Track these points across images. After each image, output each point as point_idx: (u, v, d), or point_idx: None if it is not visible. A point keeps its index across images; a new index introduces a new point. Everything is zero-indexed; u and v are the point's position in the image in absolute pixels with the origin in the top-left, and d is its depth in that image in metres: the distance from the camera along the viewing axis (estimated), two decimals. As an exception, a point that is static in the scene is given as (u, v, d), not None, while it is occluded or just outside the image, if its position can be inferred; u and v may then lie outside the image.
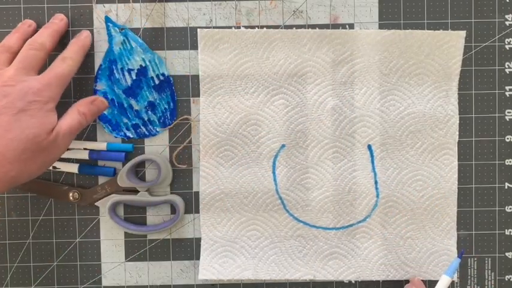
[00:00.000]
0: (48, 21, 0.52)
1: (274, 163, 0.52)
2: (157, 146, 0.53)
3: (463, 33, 0.52)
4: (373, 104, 0.52)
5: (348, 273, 0.52)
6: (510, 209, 0.53)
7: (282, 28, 0.52)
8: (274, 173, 0.52)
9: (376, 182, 0.52)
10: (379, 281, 0.53)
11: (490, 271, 0.53)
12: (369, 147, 0.52)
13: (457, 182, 0.52)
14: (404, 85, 0.52)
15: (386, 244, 0.52)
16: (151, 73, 0.52)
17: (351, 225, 0.52)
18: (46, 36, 0.49)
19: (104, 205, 0.52)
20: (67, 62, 0.48)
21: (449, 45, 0.52)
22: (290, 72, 0.52)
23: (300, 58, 0.52)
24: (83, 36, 0.51)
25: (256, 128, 0.52)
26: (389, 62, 0.52)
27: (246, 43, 0.52)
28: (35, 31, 0.50)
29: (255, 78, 0.52)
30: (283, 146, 0.52)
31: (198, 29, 0.52)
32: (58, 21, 0.51)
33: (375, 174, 0.52)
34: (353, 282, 0.53)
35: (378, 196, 0.52)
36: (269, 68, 0.52)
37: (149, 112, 0.53)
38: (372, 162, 0.52)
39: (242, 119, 0.52)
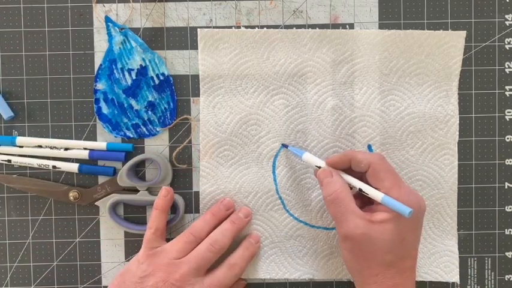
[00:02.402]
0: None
1: (274, 163, 0.52)
2: (157, 146, 0.53)
3: (463, 33, 0.52)
4: (373, 103, 0.52)
5: (347, 273, 0.52)
6: (510, 208, 0.53)
7: (282, 28, 0.52)
8: (274, 172, 0.52)
9: (376, 182, 0.52)
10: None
11: (490, 271, 0.53)
12: (369, 147, 0.52)
13: (457, 182, 0.52)
14: (404, 85, 0.52)
15: (386, 244, 0.52)
16: (151, 73, 0.52)
17: (350, 225, 0.52)
18: (228, 239, 0.49)
19: (104, 205, 0.52)
20: (235, 270, 0.49)
21: (450, 45, 0.52)
22: (290, 72, 0.52)
23: (300, 58, 0.52)
24: (254, 242, 0.51)
25: (256, 127, 0.52)
26: (389, 62, 0.52)
27: (246, 43, 0.52)
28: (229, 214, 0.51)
29: (255, 78, 0.52)
30: (283, 145, 0.52)
31: (198, 29, 0.52)
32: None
33: (375, 174, 0.52)
34: (352, 281, 0.53)
35: (377, 196, 0.52)
36: (269, 68, 0.52)
37: (149, 112, 0.53)
38: (372, 162, 0.52)
39: (242, 118, 0.52)
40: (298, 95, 0.52)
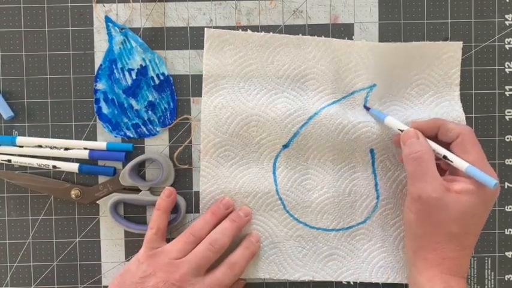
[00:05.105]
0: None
1: (274, 164, 0.52)
2: (157, 146, 0.53)
3: (460, 43, 0.52)
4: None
5: (347, 275, 0.52)
6: (510, 208, 0.53)
7: (282, 28, 0.52)
8: (274, 173, 0.52)
9: (376, 184, 0.52)
10: (379, 283, 0.53)
11: (490, 271, 0.53)
12: (371, 151, 0.52)
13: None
14: (405, 95, 0.52)
15: (386, 246, 0.52)
16: (151, 73, 0.52)
17: (350, 227, 0.52)
18: (228, 238, 0.49)
19: (105, 203, 0.52)
20: (235, 269, 0.48)
21: (448, 55, 0.52)
22: (293, 77, 0.52)
23: (304, 64, 0.52)
24: (255, 241, 0.51)
25: (257, 129, 0.52)
26: (391, 73, 0.52)
27: (251, 46, 0.52)
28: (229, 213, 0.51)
29: (258, 81, 0.52)
30: (284, 147, 0.52)
31: (205, 29, 0.52)
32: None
33: (376, 176, 0.52)
34: (352, 283, 0.53)
35: (378, 198, 0.52)
36: (273, 72, 0.52)
37: (149, 112, 0.53)
38: (373, 164, 0.52)
39: (243, 119, 0.52)
40: (300, 100, 0.52)
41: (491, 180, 0.43)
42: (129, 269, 0.47)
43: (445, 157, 0.45)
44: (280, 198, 0.52)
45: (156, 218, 0.49)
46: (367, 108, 0.51)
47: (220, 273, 0.48)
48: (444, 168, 0.48)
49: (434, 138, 0.47)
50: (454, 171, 0.46)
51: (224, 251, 0.49)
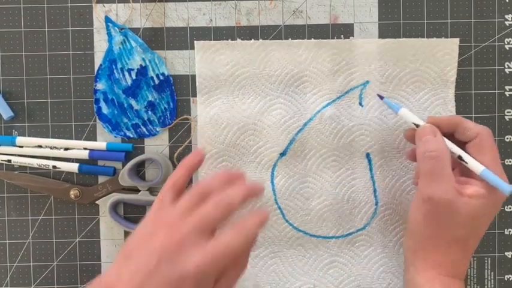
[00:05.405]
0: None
1: (272, 173, 0.52)
2: (157, 146, 0.53)
3: (456, 40, 0.52)
4: (371, 112, 0.52)
5: (348, 282, 0.52)
6: (510, 208, 0.53)
7: (281, 28, 0.52)
8: (272, 182, 0.52)
9: (375, 190, 0.52)
10: None
11: (489, 271, 0.53)
12: (367, 155, 0.52)
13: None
14: (401, 93, 0.52)
15: (386, 252, 0.52)
16: (151, 73, 0.52)
17: (350, 234, 0.52)
18: (239, 198, 0.40)
19: (104, 203, 0.52)
20: (242, 233, 0.39)
21: (444, 52, 0.52)
22: (287, 82, 0.52)
23: (296, 68, 0.52)
24: (266, 212, 0.42)
25: (254, 138, 0.52)
26: (385, 70, 0.52)
27: (242, 54, 0.52)
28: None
29: (252, 89, 0.52)
30: (281, 155, 0.52)
31: (195, 41, 0.52)
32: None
33: (374, 183, 0.52)
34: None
35: (377, 204, 0.52)
36: (266, 79, 0.52)
37: (149, 112, 0.53)
38: (371, 170, 0.52)
39: (240, 129, 0.52)
40: (295, 105, 0.52)
41: (507, 186, 0.42)
42: (138, 230, 0.41)
43: (459, 157, 0.44)
44: (279, 207, 0.52)
45: (175, 173, 0.43)
46: (381, 97, 0.49)
47: (226, 236, 0.40)
48: (452, 166, 0.45)
49: (450, 136, 0.46)
50: (466, 172, 0.44)
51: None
